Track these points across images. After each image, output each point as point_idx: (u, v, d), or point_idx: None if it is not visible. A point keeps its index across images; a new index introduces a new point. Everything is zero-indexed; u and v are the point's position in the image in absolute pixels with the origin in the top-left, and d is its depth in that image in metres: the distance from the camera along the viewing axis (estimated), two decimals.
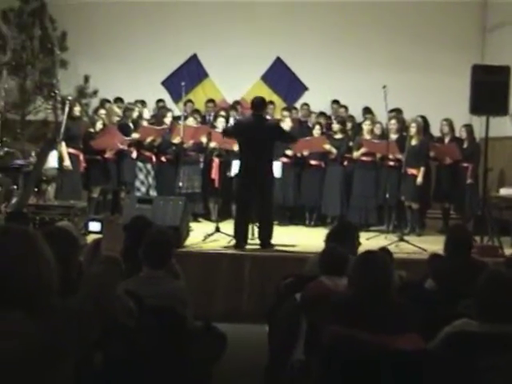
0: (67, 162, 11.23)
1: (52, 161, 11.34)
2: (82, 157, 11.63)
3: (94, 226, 9.86)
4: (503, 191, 11.59)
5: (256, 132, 9.53)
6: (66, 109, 11.39)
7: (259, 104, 9.77)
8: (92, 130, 11.91)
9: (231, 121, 12.95)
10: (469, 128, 12.23)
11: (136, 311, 4.22)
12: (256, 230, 9.99)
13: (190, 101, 14.39)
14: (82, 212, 10.10)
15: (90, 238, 7.90)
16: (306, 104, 14.65)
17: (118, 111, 12.72)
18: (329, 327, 4.10)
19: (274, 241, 9.70)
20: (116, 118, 12.44)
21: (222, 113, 13.31)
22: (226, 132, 10.50)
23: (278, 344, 5.65)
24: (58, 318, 2.61)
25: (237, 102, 14.43)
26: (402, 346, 3.93)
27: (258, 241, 9.73)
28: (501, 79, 9.73)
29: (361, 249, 5.38)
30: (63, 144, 11.14)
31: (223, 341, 5.34)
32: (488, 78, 9.72)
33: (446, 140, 12.31)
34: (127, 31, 15.17)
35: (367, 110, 13.81)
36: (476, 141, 12.13)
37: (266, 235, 9.61)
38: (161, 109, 13.80)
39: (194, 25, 15.20)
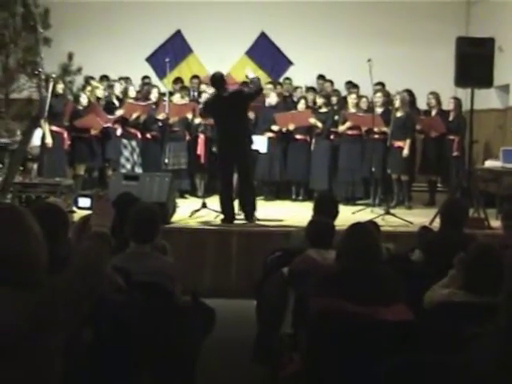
0: (48, 140, 11.28)
1: (36, 139, 11.33)
2: (66, 134, 11.62)
3: (84, 201, 9.97)
4: (488, 163, 11.60)
5: (224, 108, 9.50)
6: (50, 86, 11.38)
7: (218, 80, 9.69)
8: (80, 107, 11.86)
9: None
10: (457, 101, 12.21)
11: (124, 287, 4.23)
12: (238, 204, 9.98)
13: (179, 78, 14.29)
14: (69, 189, 10.10)
15: (77, 215, 7.92)
16: (287, 78, 14.65)
17: (102, 87, 12.64)
18: (316, 300, 4.11)
19: (260, 215, 9.71)
20: (100, 95, 12.38)
21: (207, 89, 13.24)
22: (201, 114, 10.48)
23: (266, 318, 5.67)
24: (46, 293, 2.61)
25: None
26: (390, 317, 3.95)
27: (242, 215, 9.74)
28: (485, 51, 9.72)
29: (348, 222, 5.37)
30: (45, 122, 11.14)
31: (212, 316, 5.34)
32: (472, 50, 9.70)
33: (433, 113, 12.31)
34: (111, 8, 15.05)
35: (350, 84, 13.76)
36: (462, 113, 12.13)
37: (249, 208, 9.63)
38: (146, 85, 13.73)
39: (178, 0, 15.09)
